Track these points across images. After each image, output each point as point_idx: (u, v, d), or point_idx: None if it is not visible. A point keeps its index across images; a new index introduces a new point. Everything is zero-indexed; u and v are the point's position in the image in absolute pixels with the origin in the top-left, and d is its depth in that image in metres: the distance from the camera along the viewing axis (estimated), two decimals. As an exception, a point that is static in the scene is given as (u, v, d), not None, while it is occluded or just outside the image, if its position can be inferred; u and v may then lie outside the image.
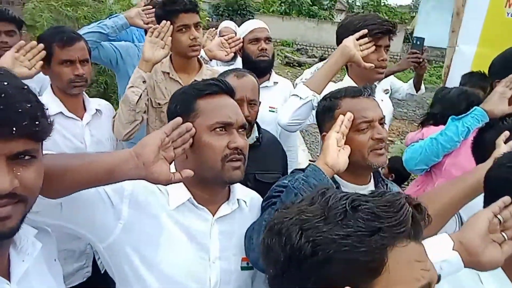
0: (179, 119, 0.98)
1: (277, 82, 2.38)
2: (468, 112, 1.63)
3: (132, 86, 1.70)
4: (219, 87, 1.15)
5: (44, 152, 0.87)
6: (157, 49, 1.78)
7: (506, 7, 2.84)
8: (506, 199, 0.89)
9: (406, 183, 3.48)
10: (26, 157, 0.71)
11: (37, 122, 0.69)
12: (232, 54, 2.36)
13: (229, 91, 1.18)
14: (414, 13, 23.79)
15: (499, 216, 0.88)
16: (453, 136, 1.64)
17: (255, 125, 1.72)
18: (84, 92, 1.87)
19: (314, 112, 1.66)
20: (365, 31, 1.70)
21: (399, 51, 17.27)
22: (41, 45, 1.62)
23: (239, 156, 1.11)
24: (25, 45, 1.59)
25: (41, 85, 2.10)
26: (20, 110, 0.67)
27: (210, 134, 1.09)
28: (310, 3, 22.13)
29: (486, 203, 0.97)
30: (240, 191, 1.24)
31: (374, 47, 1.71)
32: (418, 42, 2.78)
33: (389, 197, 0.59)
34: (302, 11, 21.64)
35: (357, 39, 1.69)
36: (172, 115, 1.15)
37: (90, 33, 2.37)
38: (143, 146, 0.91)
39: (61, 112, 1.75)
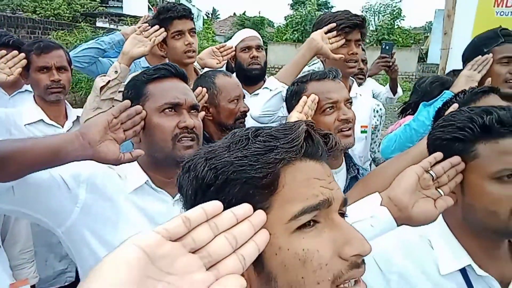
0: (127, 102, 1.01)
1: None
2: (438, 97, 1.60)
3: (104, 75, 1.75)
4: (168, 70, 1.17)
5: None
6: (138, 45, 1.81)
7: (494, 6, 2.81)
8: (437, 154, 0.86)
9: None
10: None
11: None
12: (224, 62, 2.40)
13: (179, 75, 1.19)
14: (428, 34, 23.78)
15: (431, 171, 0.84)
16: (424, 121, 1.60)
17: None
18: (66, 102, 1.94)
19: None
20: (333, 24, 1.71)
21: (414, 71, 17.15)
22: (22, 54, 1.71)
23: (190, 135, 1.11)
24: (6, 54, 1.68)
25: None
26: None
27: (160, 116, 1.10)
28: (323, 29, 22.47)
29: None
30: None
31: (343, 41, 1.72)
32: (387, 47, 2.87)
33: (290, 123, 0.59)
34: (315, 38, 21.97)
35: (326, 33, 1.71)
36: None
37: (88, 49, 2.49)
38: (88, 127, 0.93)
39: (42, 120, 1.82)
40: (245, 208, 0.47)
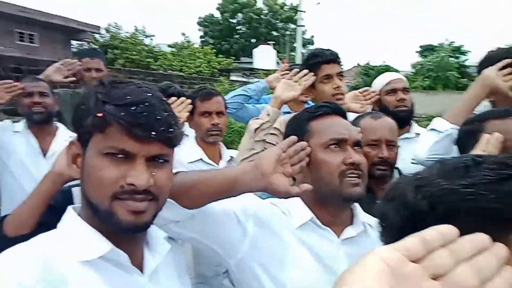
0: (294, 137, 1.02)
1: (419, 134, 2.24)
2: None
3: (257, 118, 1.82)
4: (329, 108, 1.18)
5: (178, 169, 1.00)
6: (289, 89, 1.86)
7: None
8: None
9: None
10: (161, 160, 0.80)
11: (171, 129, 0.79)
12: (367, 106, 2.35)
13: (340, 112, 1.20)
14: None
15: None
16: None
17: (397, 171, 1.64)
18: (221, 143, 2.09)
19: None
20: (510, 60, 1.53)
21: None
22: (189, 100, 1.92)
23: (356, 172, 1.08)
24: (175, 101, 1.91)
25: None
26: (159, 117, 0.77)
27: (325, 152, 1.11)
28: (459, 75, 20.85)
29: None
30: (364, 214, 1.19)
31: None
32: None
33: None
34: (448, 85, 20.47)
35: (500, 69, 1.53)
36: None
37: (237, 96, 2.71)
38: (261, 158, 0.96)
39: (201, 159, 1.99)
40: (482, 238, 0.39)
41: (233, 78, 14.94)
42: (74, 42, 14.77)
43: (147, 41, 17.86)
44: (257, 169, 0.94)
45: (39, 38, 13.44)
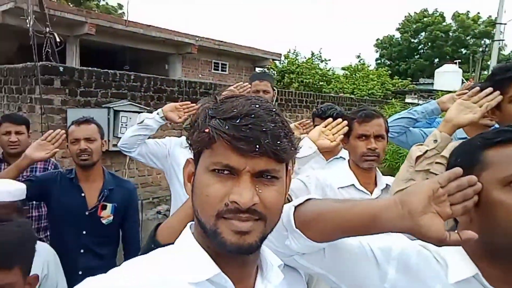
0: (458, 169, 0.80)
1: None
2: None
3: (421, 144, 1.57)
4: None
5: (311, 196, 0.92)
6: (465, 112, 1.58)
7: None
8: None
9: None
10: (268, 177, 0.73)
11: (278, 142, 0.72)
12: None
13: None
14: None
15: None
16: None
17: None
18: (377, 169, 1.91)
19: None
20: None
21: None
22: (345, 122, 1.83)
23: None
24: (332, 122, 1.84)
25: None
26: (264, 129, 0.70)
27: (504, 190, 0.85)
28: None
29: None
30: None
31: None
32: None
33: None
34: None
35: None
36: None
37: (400, 118, 2.46)
38: (409, 194, 0.79)
39: (353, 185, 1.85)
40: None
41: (408, 100, 13.96)
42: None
43: (322, 65, 18.37)
44: (404, 206, 0.77)
45: (229, 67, 15.45)
